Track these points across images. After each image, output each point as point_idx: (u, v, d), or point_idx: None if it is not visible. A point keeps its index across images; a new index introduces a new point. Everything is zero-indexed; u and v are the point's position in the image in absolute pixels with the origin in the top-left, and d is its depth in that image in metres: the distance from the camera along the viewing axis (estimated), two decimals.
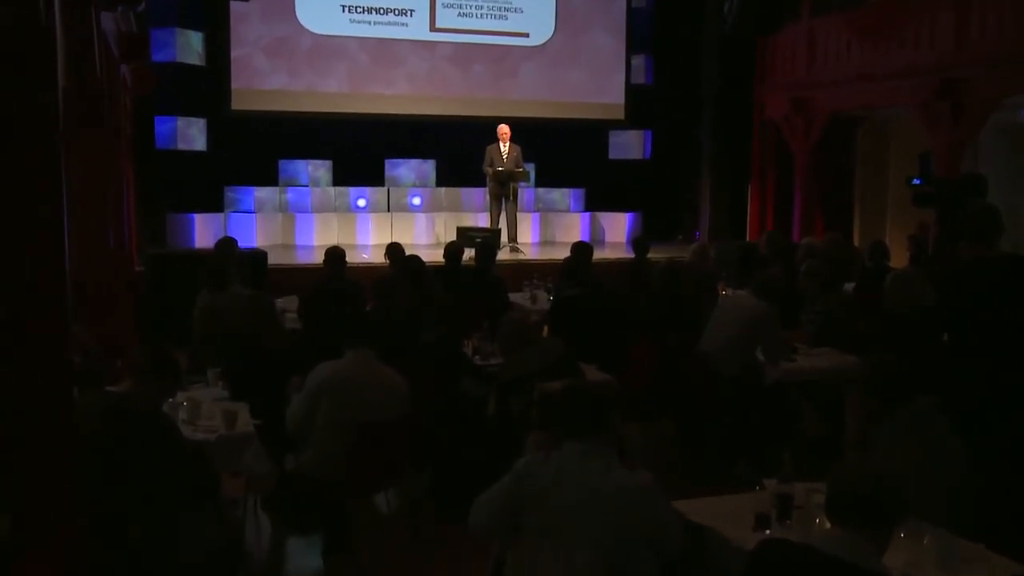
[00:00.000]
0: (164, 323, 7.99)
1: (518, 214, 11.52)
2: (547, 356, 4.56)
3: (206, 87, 11.91)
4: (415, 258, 6.84)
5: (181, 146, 11.68)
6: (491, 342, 5.64)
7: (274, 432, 4.34)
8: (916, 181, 7.77)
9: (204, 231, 11.46)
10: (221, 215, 11.89)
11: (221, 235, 9.25)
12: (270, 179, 12.52)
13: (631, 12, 13.55)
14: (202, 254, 8.82)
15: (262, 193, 12.36)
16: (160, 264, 8.93)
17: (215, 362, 4.94)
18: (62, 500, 2.25)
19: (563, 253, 8.61)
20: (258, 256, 9.09)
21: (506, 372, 4.67)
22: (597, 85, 13.57)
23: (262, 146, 12.37)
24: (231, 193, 12.23)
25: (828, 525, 2.44)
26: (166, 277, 8.64)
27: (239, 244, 7.57)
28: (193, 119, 11.81)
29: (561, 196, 13.79)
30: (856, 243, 11.47)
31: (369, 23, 12.57)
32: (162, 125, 11.53)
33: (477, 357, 5.60)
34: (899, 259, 9.28)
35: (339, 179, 12.84)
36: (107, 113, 6.76)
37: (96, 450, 3.12)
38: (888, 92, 10.36)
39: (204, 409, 4.28)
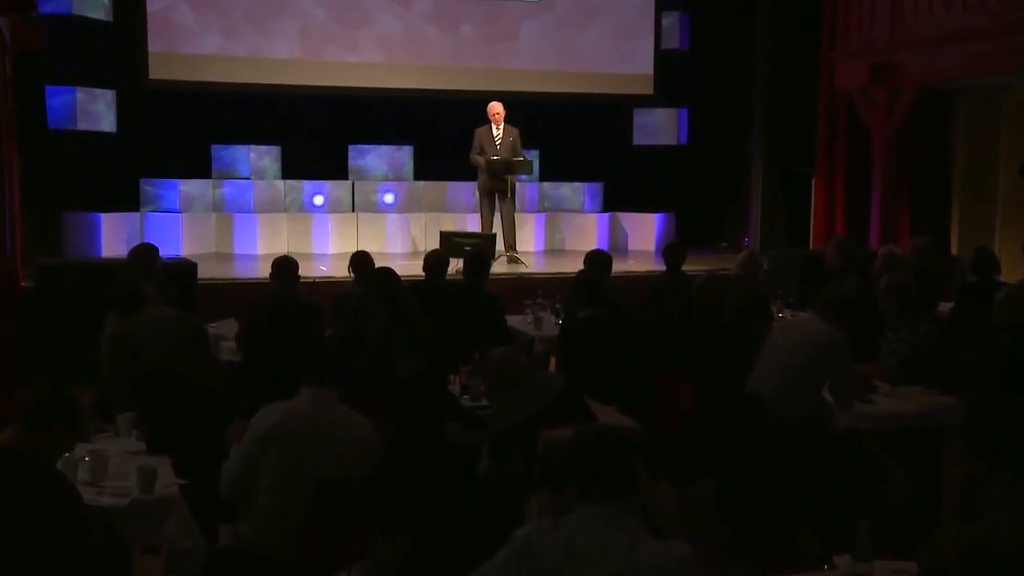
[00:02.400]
0: (59, 354, 7.98)
1: (517, 215, 11.55)
2: (539, 397, 4.58)
3: (114, 49, 11.96)
4: (387, 272, 6.85)
5: (82, 125, 11.71)
6: (483, 376, 5.65)
7: (205, 495, 4.33)
8: None
9: (113, 235, 11.48)
10: (136, 215, 11.90)
11: (136, 241, 9.26)
12: (200, 169, 12.55)
13: None
14: (111, 265, 8.80)
15: (190, 187, 12.39)
16: (54, 278, 8.87)
17: (128, 405, 4.93)
18: None
19: (575, 265, 8.61)
20: (185, 268, 9.10)
21: (497, 421, 4.68)
22: (618, 51, 13.64)
23: (189, 127, 12.40)
24: (149, 187, 12.25)
25: None
26: (62, 295, 8.61)
27: (160, 253, 7.57)
28: (98, 91, 11.84)
29: (572, 192, 13.83)
30: (954, 251, 11.49)
31: None
32: (56, 98, 11.50)
33: (466, 397, 5.58)
34: (1011, 272, 9.28)
35: (289, 170, 12.88)
36: None
37: None
38: (998, 56, 10.35)
39: (113, 466, 4.25)
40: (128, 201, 11.98)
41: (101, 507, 3.91)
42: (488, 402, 4.93)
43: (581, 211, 13.72)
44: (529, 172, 11.96)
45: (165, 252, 8.60)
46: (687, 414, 5.86)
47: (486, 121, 11.35)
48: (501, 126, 11.31)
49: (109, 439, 4.66)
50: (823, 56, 12.52)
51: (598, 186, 13.85)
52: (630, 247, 13.41)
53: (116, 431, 4.75)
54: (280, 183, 12.76)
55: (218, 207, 12.47)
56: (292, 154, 12.87)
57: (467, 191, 12.92)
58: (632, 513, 2.90)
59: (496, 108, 11.35)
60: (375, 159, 13.26)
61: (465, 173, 12.09)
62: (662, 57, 13.75)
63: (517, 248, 11.38)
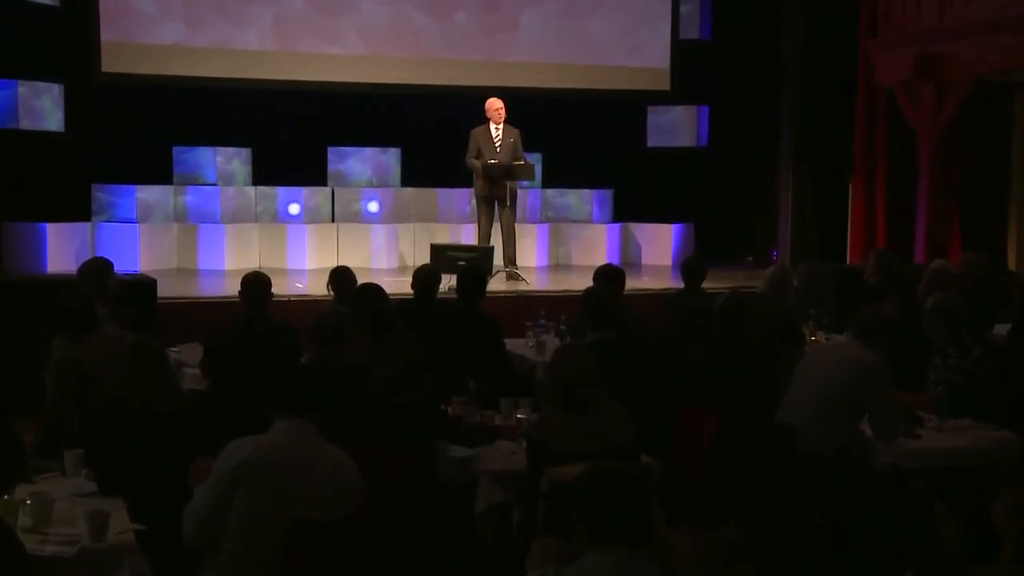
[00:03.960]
0: None
1: (517, 226, 11.55)
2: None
3: (62, 38, 11.97)
4: (371, 289, 6.86)
5: (25, 124, 11.72)
6: (479, 407, 5.63)
7: (164, 542, 4.33)
8: None
9: (61, 248, 11.48)
10: (87, 225, 11.91)
11: (87, 255, 9.26)
12: (160, 174, 12.55)
13: None
14: (58, 283, 8.80)
15: (149, 194, 12.40)
16: None
17: (77, 440, 4.93)
18: None
19: (582, 282, 8.61)
20: (143, 286, 9.09)
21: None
22: (630, 41, 13.69)
23: (148, 127, 12.42)
24: (101, 194, 12.26)
25: None
26: (2, 316, 8.63)
27: (114, 268, 7.57)
28: (43, 85, 11.85)
29: (579, 200, 13.85)
30: (1011, 266, 11.50)
31: None
32: None
33: None
34: None
35: (261, 175, 12.90)
36: None
37: None
38: None
39: (59, 510, 4.23)
40: (78, 210, 11.98)
41: (45, 557, 3.89)
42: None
43: (589, 221, 13.74)
44: (531, 178, 11.95)
45: (120, 267, 8.57)
46: (709, 449, 5.86)
47: (483, 120, 11.35)
48: (501, 125, 11.30)
49: (55, 479, 4.64)
50: (862, 46, 12.55)
51: (608, 193, 13.86)
52: (644, 262, 13.43)
53: (63, 470, 4.73)
54: (251, 190, 12.78)
55: (180, 217, 12.47)
56: (264, 157, 12.89)
57: (461, 199, 12.93)
58: (647, 560, 2.90)
59: (496, 105, 11.34)
60: (358, 163, 13.28)
61: (459, 179, 12.11)
62: (680, 48, 13.80)
63: (517, 263, 11.36)
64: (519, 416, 5.73)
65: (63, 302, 6.23)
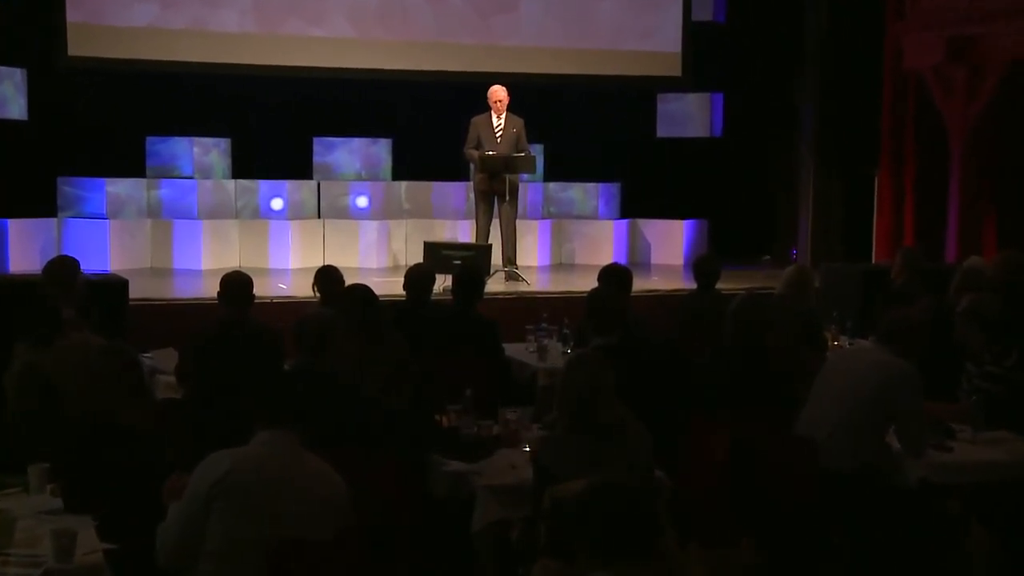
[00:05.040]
0: None
1: (518, 222, 11.56)
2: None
3: (25, 20, 11.94)
4: (360, 290, 6.87)
5: None
6: (476, 417, 5.63)
7: (136, 563, 4.33)
8: None
9: (24, 246, 11.47)
10: (52, 221, 11.92)
11: (52, 253, 9.26)
12: (132, 167, 12.56)
13: None
14: (21, 283, 8.78)
15: (119, 188, 12.40)
16: None
17: (41, 454, 4.94)
18: None
19: (587, 283, 8.61)
20: (113, 286, 9.09)
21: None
22: (639, 24, 13.69)
23: (119, 115, 12.41)
24: (68, 187, 12.27)
25: None
26: None
27: (82, 268, 7.58)
28: (4, 69, 11.83)
29: (584, 195, 13.86)
30: None
31: None
32: None
33: None
34: None
35: (241, 168, 12.91)
36: None
37: None
38: None
39: (22, 529, 4.24)
40: (42, 204, 11.98)
41: None
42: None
43: (594, 217, 13.76)
44: (532, 171, 11.97)
45: (88, 267, 8.59)
46: (722, 463, 5.87)
47: (485, 108, 11.35)
48: (503, 115, 11.30)
49: (17, 496, 4.64)
50: (889, 29, 12.55)
51: (614, 187, 13.88)
52: (653, 261, 13.45)
53: (26, 486, 4.73)
54: (230, 183, 12.78)
55: (154, 212, 12.48)
56: (244, 148, 12.90)
57: (458, 193, 12.94)
58: None
59: (499, 94, 11.34)
60: (345, 155, 13.28)
61: (455, 172, 12.12)
62: (692, 31, 13.79)
63: (517, 262, 11.38)
64: (509, 417, 5.71)
65: (26, 305, 6.23)
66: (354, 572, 4.44)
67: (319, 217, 12.83)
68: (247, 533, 4.14)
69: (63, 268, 7.32)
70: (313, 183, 13.02)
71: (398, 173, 13.34)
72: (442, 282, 8.63)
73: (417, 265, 8.45)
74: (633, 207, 13.82)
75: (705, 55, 13.85)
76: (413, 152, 13.18)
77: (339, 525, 4.30)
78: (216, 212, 12.59)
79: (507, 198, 11.17)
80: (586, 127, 13.66)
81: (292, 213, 12.81)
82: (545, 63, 13.30)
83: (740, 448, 5.85)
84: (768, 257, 13.78)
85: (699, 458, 5.93)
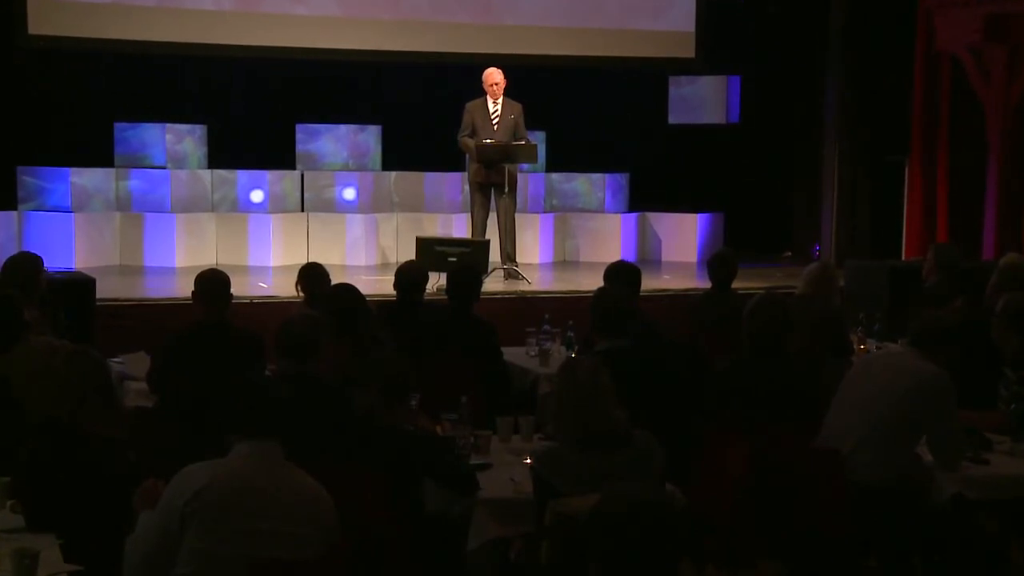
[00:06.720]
0: None
1: (518, 216, 11.58)
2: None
3: None
4: (347, 289, 6.87)
5: None
6: (472, 427, 5.62)
7: None
8: None
9: None
10: (12, 215, 11.91)
11: (12, 250, 9.24)
12: (100, 156, 12.54)
13: None
14: None
15: (85, 178, 12.37)
16: None
17: (1, 467, 4.93)
18: None
19: (593, 282, 8.63)
20: (79, 285, 9.10)
21: None
22: (650, 1, 13.70)
23: (84, 99, 12.42)
24: (29, 178, 12.24)
25: None
26: None
27: (45, 265, 7.58)
28: None
29: (589, 186, 13.85)
30: None
31: None
32: None
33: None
34: None
35: (218, 157, 12.89)
36: None
37: None
38: None
39: None
40: (1, 196, 11.98)
41: None
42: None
43: (600, 211, 13.74)
44: (533, 160, 11.97)
45: (52, 264, 8.59)
46: (740, 477, 5.86)
47: (481, 93, 11.36)
48: (500, 100, 11.31)
49: None
50: (921, 5, 12.55)
51: (622, 178, 13.87)
52: (664, 258, 13.46)
53: None
54: (206, 174, 12.76)
55: (123, 205, 12.46)
56: (222, 136, 12.90)
57: (452, 185, 12.93)
58: None
59: (495, 77, 11.35)
60: (331, 143, 13.26)
61: (450, 161, 12.11)
62: (707, 9, 13.80)
63: (517, 259, 11.41)
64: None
65: None
66: None
67: (302, 210, 12.82)
68: (225, 553, 4.13)
69: (24, 266, 7.30)
70: (296, 173, 13.00)
71: (388, 163, 13.32)
72: (436, 281, 8.62)
73: (409, 262, 8.47)
74: (642, 200, 13.83)
75: (721, 34, 13.87)
76: (404, 140, 13.18)
77: (325, 545, 4.29)
78: (191, 205, 12.57)
79: (506, 190, 11.19)
80: (591, 113, 13.67)
81: (273, 206, 12.79)
82: (547, 43, 13.31)
83: (759, 461, 5.85)
84: (788, 254, 13.78)
85: (715, 471, 5.92)
